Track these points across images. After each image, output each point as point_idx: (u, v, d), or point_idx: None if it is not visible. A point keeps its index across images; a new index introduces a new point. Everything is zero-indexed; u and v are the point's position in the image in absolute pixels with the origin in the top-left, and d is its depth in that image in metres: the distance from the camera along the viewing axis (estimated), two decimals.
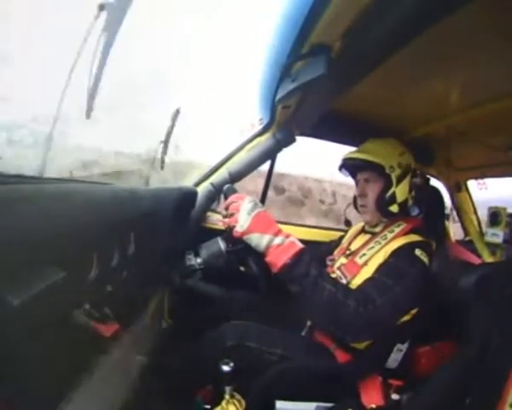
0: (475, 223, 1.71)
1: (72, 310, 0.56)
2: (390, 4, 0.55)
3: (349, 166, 1.11)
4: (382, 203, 1.01)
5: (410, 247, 0.90)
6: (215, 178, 1.39)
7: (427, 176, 1.41)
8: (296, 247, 0.77)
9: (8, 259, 0.37)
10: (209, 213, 1.48)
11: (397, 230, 0.99)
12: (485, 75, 0.85)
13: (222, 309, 1.20)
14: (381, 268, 0.88)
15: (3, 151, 0.87)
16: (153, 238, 0.89)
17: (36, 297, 0.39)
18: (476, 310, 0.81)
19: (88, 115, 0.85)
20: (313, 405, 0.85)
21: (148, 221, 0.82)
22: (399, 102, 1.12)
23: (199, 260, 0.86)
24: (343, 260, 1.06)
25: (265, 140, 1.35)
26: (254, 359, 0.91)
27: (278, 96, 0.91)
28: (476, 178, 1.60)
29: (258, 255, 0.80)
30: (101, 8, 0.77)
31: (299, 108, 1.08)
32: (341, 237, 1.25)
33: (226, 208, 0.82)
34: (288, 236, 0.78)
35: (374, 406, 0.84)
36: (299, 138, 1.37)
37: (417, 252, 0.88)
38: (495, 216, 1.41)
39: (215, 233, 0.92)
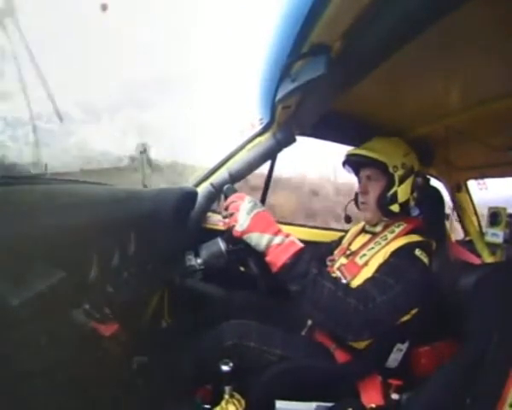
0: (475, 223, 1.71)
1: (72, 310, 0.56)
2: (390, 4, 0.55)
3: (352, 162, 1.11)
4: (383, 202, 1.01)
5: (410, 247, 0.90)
6: (215, 178, 1.39)
7: (427, 176, 1.42)
8: (296, 246, 0.77)
9: (8, 259, 0.37)
10: (209, 214, 1.48)
11: (397, 230, 0.99)
12: (485, 75, 0.85)
13: (222, 309, 1.20)
14: (381, 268, 0.88)
15: None
16: (153, 239, 0.89)
17: (36, 297, 0.39)
18: (476, 310, 0.81)
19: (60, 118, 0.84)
20: (313, 405, 0.84)
21: (149, 222, 0.82)
22: (399, 102, 1.12)
23: (199, 261, 0.86)
24: (343, 260, 1.06)
25: (265, 140, 1.35)
26: (254, 358, 0.91)
27: (278, 96, 0.91)
28: (476, 178, 1.60)
29: (258, 256, 0.80)
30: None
31: (299, 108, 1.08)
32: (341, 238, 1.25)
33: (226, 208, 0.82)
34: (287, 235, 0.78)
35: (374, 405, 0.84)
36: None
37: (417, 252, 0.88)
38: (495, 216, 1.41)
39: (215, 234, 0.91)
